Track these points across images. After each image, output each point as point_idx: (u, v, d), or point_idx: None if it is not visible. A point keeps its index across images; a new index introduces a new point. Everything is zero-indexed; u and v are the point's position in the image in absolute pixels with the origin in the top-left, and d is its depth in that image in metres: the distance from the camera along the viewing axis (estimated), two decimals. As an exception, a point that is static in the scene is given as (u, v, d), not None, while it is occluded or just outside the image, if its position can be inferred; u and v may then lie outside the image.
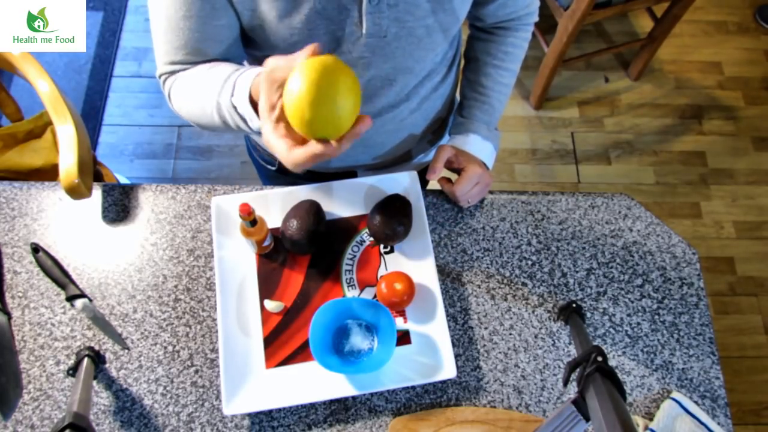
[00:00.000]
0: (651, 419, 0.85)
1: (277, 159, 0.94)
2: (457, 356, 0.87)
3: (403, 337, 0.86)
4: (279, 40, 0.70)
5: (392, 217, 0.88)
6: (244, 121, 0.66)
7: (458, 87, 1.00)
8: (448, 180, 0.93)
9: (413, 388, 0.85)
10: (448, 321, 0.89)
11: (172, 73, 0.75)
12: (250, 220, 0.80)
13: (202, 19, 0.67)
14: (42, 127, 1.34)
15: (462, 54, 0.97)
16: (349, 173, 1.03)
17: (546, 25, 2.03)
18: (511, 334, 0.90)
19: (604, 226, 0.98)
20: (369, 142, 0.92)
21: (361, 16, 0.69)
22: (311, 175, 1.03)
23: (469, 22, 0.91)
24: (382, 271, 0.90)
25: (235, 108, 0.66)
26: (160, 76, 0.77)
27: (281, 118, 0.57)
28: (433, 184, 1.24)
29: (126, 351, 0.86)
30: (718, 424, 0.85)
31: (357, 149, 0.94)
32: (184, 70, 0.74)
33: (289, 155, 0.57)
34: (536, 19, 0.90)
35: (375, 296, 0.89)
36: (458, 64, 0.95)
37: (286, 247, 0.89)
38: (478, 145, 0.89)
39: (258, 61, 0.78)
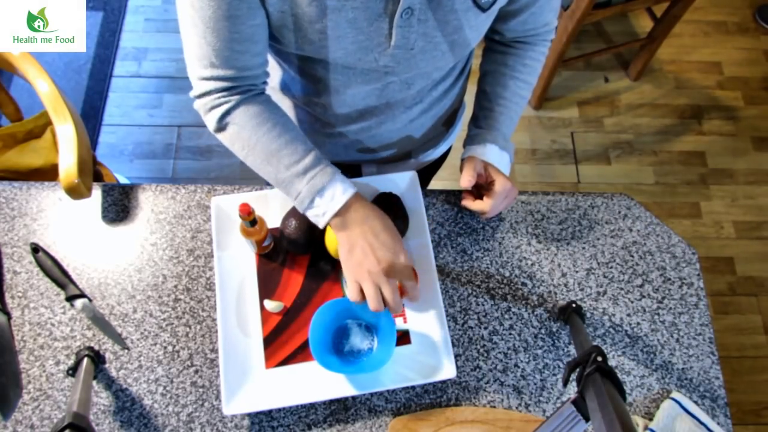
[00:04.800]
0: (651, 419, 0.85)
1: None
2: (457, 356, 0.87)
3: (403, 337, 0.86)
4: (306, 43, 0.70)
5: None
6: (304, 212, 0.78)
7: (465, 92, 0.99)
8: (471, 193, 0.91)
9: (413, 388, 0.85)
10: (448, 321, 0.89)
11: (212, 93, 0.75)
12: (250, 220, 0.80)
13: (240, 19, 0.67)
14: (42, 127, 1.34)
15: (477, 67, 0.96)
16: (353, 167, 1.03)
17: (546, 25, 2.03)
18: (511, 334, 0.90)
19: (604, 226, 0.98)
20: (377, 138, 0.92)
21: (391, 30, 0.69)
22: None
23: (488, 36, 0.90)
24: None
25: (308, 207, 0.77)
26: (197, 96, 0.76)
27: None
28: (433, 185, 1.24)
29: (126, 351, 0.86)
30: (718, 424, 0.85)
31: (363, 143, 0.94)
32: (238, 103, 0.75)
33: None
34: (554, 36, 0.89)
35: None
36: (469, 67, 0.95)
37: (285, 246, 0.89)
38: (496, 156, 0.88)
39: (281, 55, 0.79)
